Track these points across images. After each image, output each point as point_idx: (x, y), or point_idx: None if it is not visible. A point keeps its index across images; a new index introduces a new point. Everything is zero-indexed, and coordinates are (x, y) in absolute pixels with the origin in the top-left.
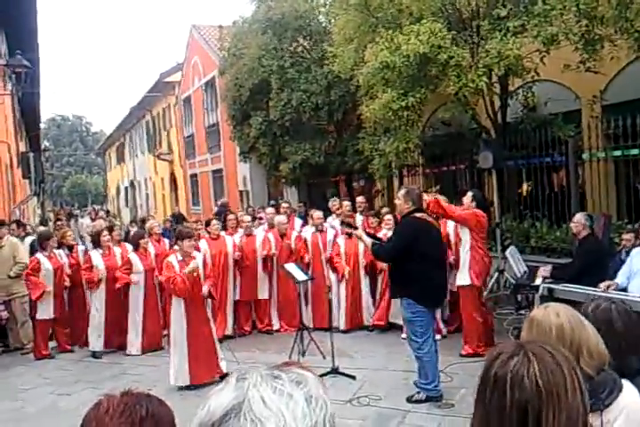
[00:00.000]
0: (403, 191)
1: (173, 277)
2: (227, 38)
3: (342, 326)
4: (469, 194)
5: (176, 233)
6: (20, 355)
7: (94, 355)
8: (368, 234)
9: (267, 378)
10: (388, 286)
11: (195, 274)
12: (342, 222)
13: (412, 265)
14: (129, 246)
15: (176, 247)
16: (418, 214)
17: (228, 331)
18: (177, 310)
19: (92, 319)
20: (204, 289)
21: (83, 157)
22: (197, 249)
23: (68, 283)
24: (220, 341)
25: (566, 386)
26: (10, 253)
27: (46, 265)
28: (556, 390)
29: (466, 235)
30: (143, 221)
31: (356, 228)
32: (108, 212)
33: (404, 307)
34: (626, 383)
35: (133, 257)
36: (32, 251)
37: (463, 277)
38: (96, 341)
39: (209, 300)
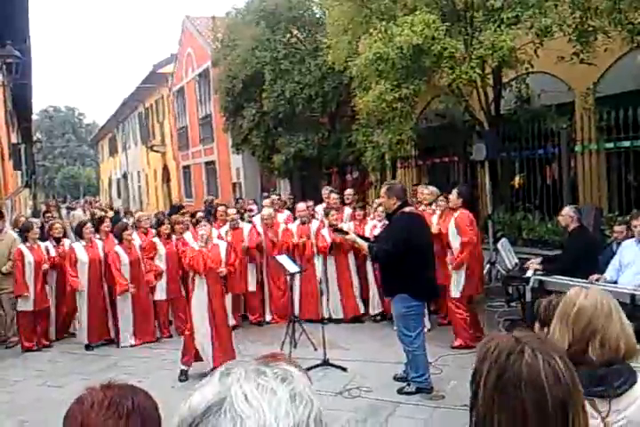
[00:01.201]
0: (384, 189)
1: (197, 254)
2: (220, 29)
3: (334, 316)
4: (455, 191)
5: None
6: (5, 348)
7: (87, 347)
8: (358, 235)
9: (251, 374)
10: (382, 283)
11: (208, 242)
12: (333, 229)
13: (409, 260)
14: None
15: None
16: (407, 209)
17: (231, 322)
18: (199, 291)
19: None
20: (221, 269)
21: (75, 149)
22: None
23: (46, 266)
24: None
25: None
26: (5, 248)
27: (29, 257)
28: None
29: (456, 242)
30: (125, 213)
31: (346, 233)
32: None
33: (397, 302)
34: None
35: (118, 249)
36: None
37: (455, 290)
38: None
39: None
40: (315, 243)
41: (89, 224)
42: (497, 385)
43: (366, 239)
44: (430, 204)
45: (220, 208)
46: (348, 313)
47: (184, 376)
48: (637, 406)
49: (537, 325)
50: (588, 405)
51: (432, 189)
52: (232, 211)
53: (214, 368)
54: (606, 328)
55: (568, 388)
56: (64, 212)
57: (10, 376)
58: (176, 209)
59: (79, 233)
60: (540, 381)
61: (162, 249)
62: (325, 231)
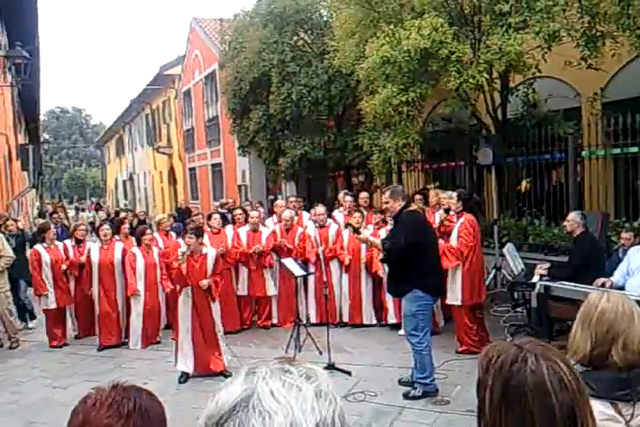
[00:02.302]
0: (387, 193)
1: (172, 264)
2: (227, 31)
3: (345, 319)
4: (454, 194)
5: (184, 229)
6: (9, 348)
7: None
8: None
9: (276, 372)
10: (389, 283)
11: (184, 258)
12: (345, 224)
13: (419, 256)
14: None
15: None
16: (411, 208)
17: (239, 325)
18: (184, 298)
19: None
20: (203, 282)
21: (82, 150)
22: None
23: (65, 266)
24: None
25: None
26: None
27: (45, 257)
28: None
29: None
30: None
31: (358, 231)
32: (98, 204)
33: (409, 301)
34: None
35: (135, 251)
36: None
37: (455, 297)
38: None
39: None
40: (333, 247)
41: (106, 225)
42: (503, 394)
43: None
44: (448, 209)
45: (237, 211)
46: (355, 320)
47: (183, 378)
48: None
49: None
50: (611, 408)
51: (449, 192)
52: (254, 213)
53: (187, 380)
54: (629, 332)
55: (574, 394)
56: (72, 213)
57: (15, 377)
58: (183, 212)
59: (97, 234)
60: (546, 387)
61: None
62: (346, 234)
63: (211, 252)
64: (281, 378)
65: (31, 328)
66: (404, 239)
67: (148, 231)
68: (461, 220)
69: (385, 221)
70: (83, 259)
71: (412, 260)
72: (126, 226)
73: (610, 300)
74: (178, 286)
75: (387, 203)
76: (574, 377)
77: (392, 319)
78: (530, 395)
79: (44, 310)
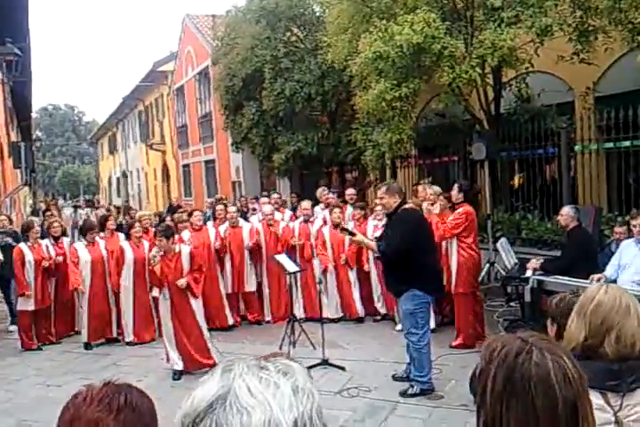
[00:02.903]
0: (383, 189)
1: (151, 272)
2: (220, 28)
3: (333, 315)
4: (456, 186)
5: (155, 230)
6: None
7: (86, 346)
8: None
9: (253, 368)
10: (387, 282)
11: (156, 259)
12: (340, 228)
13: (416, 255)
14: (122, 236)
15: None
16: (407, 206)
17: (230, 321)
18: (164, 299)
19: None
20: (180, 282)
21: (75, 147)
22: (182, 241)
23: (46, 264)
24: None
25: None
26: None
27: (28, 256)
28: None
29: (451, 240)
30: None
31: (353, 233)
32: (89, 201)
33: (406, 300)
34: None
35: (125, 246)
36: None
37: (455, 285)
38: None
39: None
40: (314, 243)
41: (97, 229)
42: (505, 386)
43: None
44: (433, 204)
45: (219, 207)
46: (346, 313)
47: (177, 375)
48: None
49: (548, 320)
50: (601, 398)
51: (436, 188)
52: (232, 209)
53: (180, 377)
54: (623, 325)
55: (578, 389)
56: (70, 210)
57: (9, 375)
58: (174, 209)
59: (84, 234)
60: (550, 380)
61: None
62: (326, 230)
63: (184, 249)
64: (257, 375)
65: (11, 331)
66: (399, 240)
67: (137, 225)
68: (459, 210)
69: (365, 217)
70: (59, 258)
71: (409, 259)
72: (112, 222)
73: (607, 292)
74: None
75: (381, 198)
76: (578, 373)
77: (382, 309)
78: (533, 387)
79: (20, 312)
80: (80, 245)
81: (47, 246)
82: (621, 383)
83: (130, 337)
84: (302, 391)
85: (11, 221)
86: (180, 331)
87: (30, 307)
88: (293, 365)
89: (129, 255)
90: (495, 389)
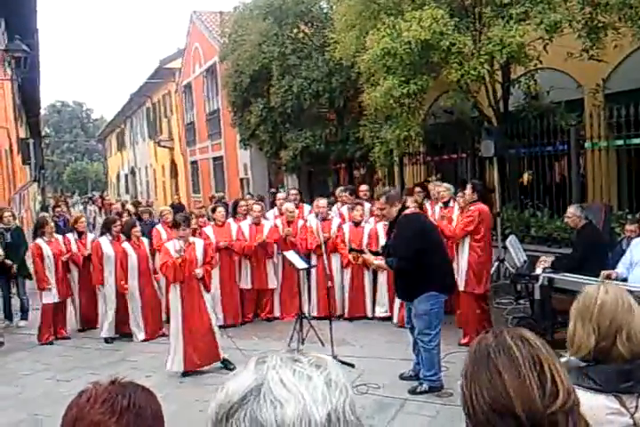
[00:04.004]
0: (383, 199)
1: (166, 261)
2: (227, 24)
3: (345, 314)
4: (469, 185)
5: (172, 221)
6: None
7: (106, 340)
8: (370, 251)
9: (286, 361)
10: (399, 289)
11: (180, 253)
12: (349, 250)
13: (427, 258)
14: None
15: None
16: (408, 211)
17: (240, 318)
18: (173, 296)
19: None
20: (197, 271)
21: (83, 144)
22: (201, 235)
23: (66, 257)
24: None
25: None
26: None
27: (47, 251)
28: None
29: (463, 240)
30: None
31: (362, 251)
32: (92, 198)
33: (422, 300)
34: None
35: (127, 246)
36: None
37: (462, 283)
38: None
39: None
40: (332, 241)
41: (118, 222)
42: (472, 360)
43: (376, 253)
44: (447, 201)
45: (242, 202)
46: (355, 312)
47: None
48: None
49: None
50: (616, 402)
51: (447, 185)
52: (257, 207)
53: (188, 373)
54: (630, 322)
55: (538, 349)
56: (80, 207)
57: (19, 370)
58: (177, 208)
59: (108, 229)
60: (508, 343)
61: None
62: (346, 227)
63: (198, 242)
64: (291, 367)
65: (20, 327)
66: (408, 250)
67: (137, 224)
68: (471, 208)
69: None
70: (85, 252)
71: (419, 264)
72: (117, 228)
73: (608, 291)
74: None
75: (382, 209)
76: (541, 342)
77: (383, 312)
78: (492, 350)
79: (44, 305)
80: (105, 241)
81: (66, 241)
82: (635, 384)
83: (137, 336)
84: (335, 385)
85: (14, 217)
86: (190, 326)
87: (54, 299)
88: (326, 358)
89: (132, 257)
90: (467, 370)
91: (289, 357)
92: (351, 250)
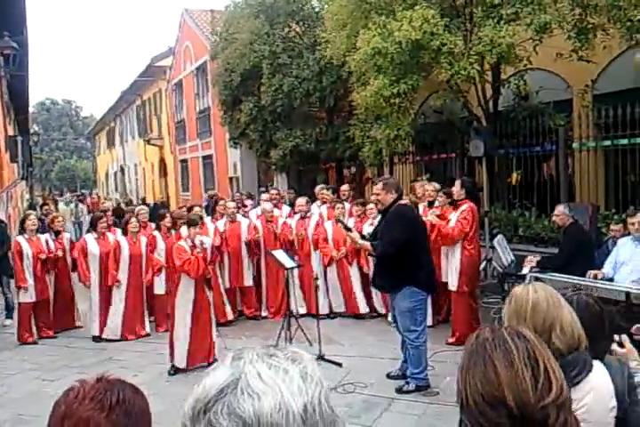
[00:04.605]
0: (380, 184)
1: (188, 259)
2: (218, 23)
3: (335, 310)
4: (458, 182)
5: (185, 220)
6: None
7: (95, 339)
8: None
9: (262, 356)
10: (378, 277)
11: (204, 246)
12: (336, 219)
13: (413, 251)
14: (118, 232)
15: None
16: (402, 202)
17: (230, 317)
18: (185, 293)
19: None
20: (208, 270)
21: (72, 142)
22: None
23: (43, 256)
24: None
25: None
26: None
27: (27, 249)
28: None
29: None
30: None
31: (350, 230)
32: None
33: (404, 297)
34: (596, 364)
35: (122, 242)
36: None
37: (454, 283)
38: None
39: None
40: (313, 239)
41: (104, 218)
42: (469, 352)
43: (363, 238)
44: (433, 201)
45: (221, 202)
46: (347, 309)
47: (173, 370)
48: (595, 394)
49: None
50: None
51: (435, 184)
52: (231, 204)
53: (178, 372)
54: (561, 317)
55: (533, 342)
56: (72, 205)
57: (4, 369)
58: (159, 207)
59: (94, 226)
60: (504, 337)
61: (161, 244)
62: (328, 225)
63: (206, 240)
64: (267, 361)
65: (5, 326)
66: (397, 235)
67: (133, 220)
68: (463, 207)
69: (365, 214)
70: (60, 253)
71: (404, 256)
72: (103, 225)
73: (537, 291)
74: (178, 275)
75: (377, 194)
76: (539, 341)
77: (380, 309)
78: (489, 344)
79: (20, 304)
80: (90, 238)
81: (47, 241)
82: (566, 379)
83: (115, 333)
84: (311, 378)
85: None
86: (197, 325)
87: (31, 299)
88: (301, 352)
89: (125, 251)
90: (463, 362)
91: (265, 352)
92: (338, 220)
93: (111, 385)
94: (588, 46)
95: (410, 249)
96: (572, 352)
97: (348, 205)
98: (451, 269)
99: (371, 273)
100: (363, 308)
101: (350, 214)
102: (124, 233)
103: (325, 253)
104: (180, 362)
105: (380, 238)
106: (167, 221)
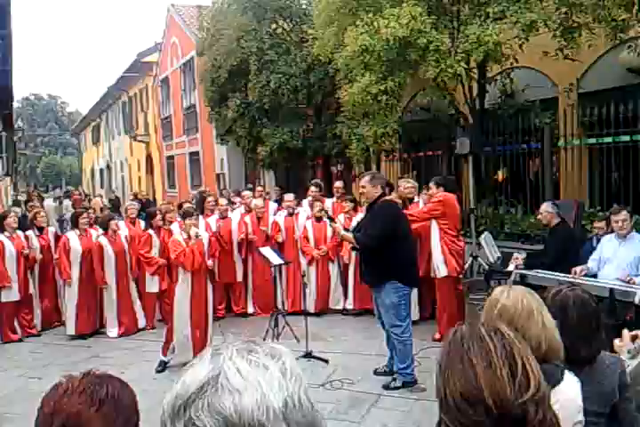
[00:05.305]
0: (367, 177)
1: (182, 250)
2: (205, 19)
3: (312, 309)
4: (431, 183)
5: (180, 212)
6: None
7: (78, 337)
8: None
9: (241, 352)
10: (363, 271)
11: (199, 237)
12: (320, 209)
13: (396, 246)
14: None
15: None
16: (387, 197)
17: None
18: (183, 285)
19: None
20: (209, 263)
21: (57, 138)
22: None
23: (26, 252)
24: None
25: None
26: None
27: (9, 247)
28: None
29: (434, 226)
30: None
31: (333, 219)
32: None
33: (388, 292)
34: (568, 376)
35: (102, 240)
36: None
37: (439, 271)
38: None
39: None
40: (299, 237)
41: (85, 214)
42: (447, 351)
43: (346, 230)
44: (412, 198)
45: (210, 198)
46: (319, 306)
47: (161, 367)
48: (559, 407)
49: None
50: None
51: (413, 182)
52: (223, 201)
53: (164, 369)
54: (527, 328)
55: (511, 340)
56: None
57: None
58: (145, 205)
59: (75, 223)
60: (481, 334)
61: (156, 241)
62: (309, 224)
63: (204, 235)
64: (246, 357)
65: None
66: (379, 229)
67: (84, 215)
68: (438, 194)
69: (355, 210)
70: (39, 255)
71: (388, 250)
72: (84, 220)
73: (510, 296)
74: (179, 274)
75: (363, 187)
76: (515, 336)
77: (349, 305)
78: (466, 341)
79: (3, 303)
80: (73, 236)
81: (29, 237)
82: None
83: (113, 332)
84: (290, 373)
85: None
86: (194, 319)
87: (15, 297)
88: (281, 348)
89: (108, 251)
90: (441, 360)
91: (244, 347)
92: (322, 210)
93: (99, 379)
94: (573, 45)
95: (393, 244)
96: (541, 363)
97: (332, 201)
98: (436, 258)
99: (351, 264)
100: (334, 304)
101: (337, 210)
102: (105, 231)
103: (306, 252)
104: (184, 354)
105: (364, 231)
106: (158, 219)
